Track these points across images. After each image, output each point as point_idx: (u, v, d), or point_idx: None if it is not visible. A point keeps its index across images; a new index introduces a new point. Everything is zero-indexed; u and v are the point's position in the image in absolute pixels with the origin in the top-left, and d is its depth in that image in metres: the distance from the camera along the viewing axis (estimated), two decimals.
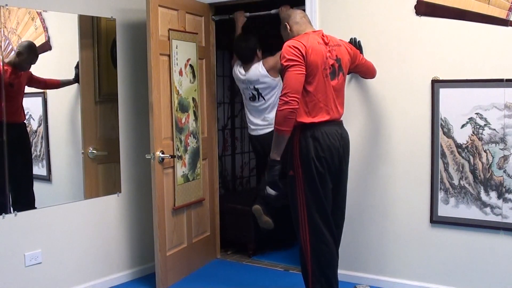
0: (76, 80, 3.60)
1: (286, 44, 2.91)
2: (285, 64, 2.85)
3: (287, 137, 2.88)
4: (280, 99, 2.83)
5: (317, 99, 2.91)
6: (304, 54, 2.84)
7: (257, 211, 4.07)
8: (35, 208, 3.36)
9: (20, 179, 3.36)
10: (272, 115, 4.05)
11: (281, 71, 2.93)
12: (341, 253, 3.25)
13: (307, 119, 2.91)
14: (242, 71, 4.09)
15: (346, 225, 3.25)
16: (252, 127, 4.15)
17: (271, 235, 4.31)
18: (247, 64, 4.08)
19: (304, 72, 2.85)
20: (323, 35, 3.01)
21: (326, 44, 2.97)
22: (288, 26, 3.09)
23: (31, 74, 3.37)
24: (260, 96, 4.03)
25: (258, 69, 3.99)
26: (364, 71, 3.41)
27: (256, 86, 4.01)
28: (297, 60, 2.83)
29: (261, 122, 4.09)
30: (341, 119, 3.08)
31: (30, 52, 3.36)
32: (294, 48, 2.85)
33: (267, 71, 3.96)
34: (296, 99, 2.80)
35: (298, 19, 3.08)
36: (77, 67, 3.60)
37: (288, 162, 3.01)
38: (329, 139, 2.92)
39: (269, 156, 2.96)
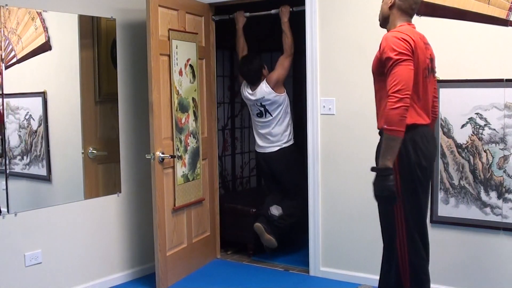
0: None
1: (392, 35, 2.55)
2: (396, 57, 2.48)
3: (401, 139, 2.48)
4: (392, 96, 2.45)
5: (417, 100, 2.60)
6: (414, 49, 2.53)
7: (258, 229, 4.07)
8: None
9: None
10: (277, 130, 4.08)
11: (385, 65, 2.53)
12: (343, 253, 3.24)
13: (407, 120, 2.52)
14: (250, 91, 4.17)
15: (348, 225, 3.24)
16: (260, 143, 4.18)
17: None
18: (254, 85, 4.14)
19: (414, 69, 2.51)
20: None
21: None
22: (393, 2, 2.68)
23: None
24: (267, 113, 4.10)
25: (263, 88, 4.07)
26: None
27: (262, 103, 4.08)
28: (408, 55, 2.50)
29: (269, 137, 4.13)
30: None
31: None
32: (404, 41, 2.51)
33: (272, 88, 4.03)
34: (410, 97, 2.46)
35: (406, 6, 2.67)
36: None
37: None
38: (428, 144, 2.64)
39: (378, 164, 2.57)
